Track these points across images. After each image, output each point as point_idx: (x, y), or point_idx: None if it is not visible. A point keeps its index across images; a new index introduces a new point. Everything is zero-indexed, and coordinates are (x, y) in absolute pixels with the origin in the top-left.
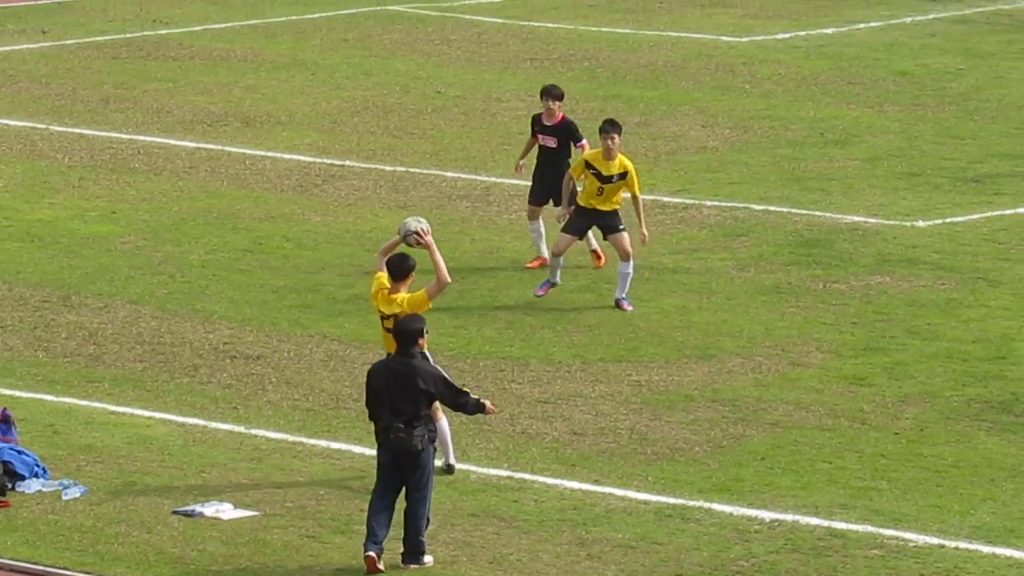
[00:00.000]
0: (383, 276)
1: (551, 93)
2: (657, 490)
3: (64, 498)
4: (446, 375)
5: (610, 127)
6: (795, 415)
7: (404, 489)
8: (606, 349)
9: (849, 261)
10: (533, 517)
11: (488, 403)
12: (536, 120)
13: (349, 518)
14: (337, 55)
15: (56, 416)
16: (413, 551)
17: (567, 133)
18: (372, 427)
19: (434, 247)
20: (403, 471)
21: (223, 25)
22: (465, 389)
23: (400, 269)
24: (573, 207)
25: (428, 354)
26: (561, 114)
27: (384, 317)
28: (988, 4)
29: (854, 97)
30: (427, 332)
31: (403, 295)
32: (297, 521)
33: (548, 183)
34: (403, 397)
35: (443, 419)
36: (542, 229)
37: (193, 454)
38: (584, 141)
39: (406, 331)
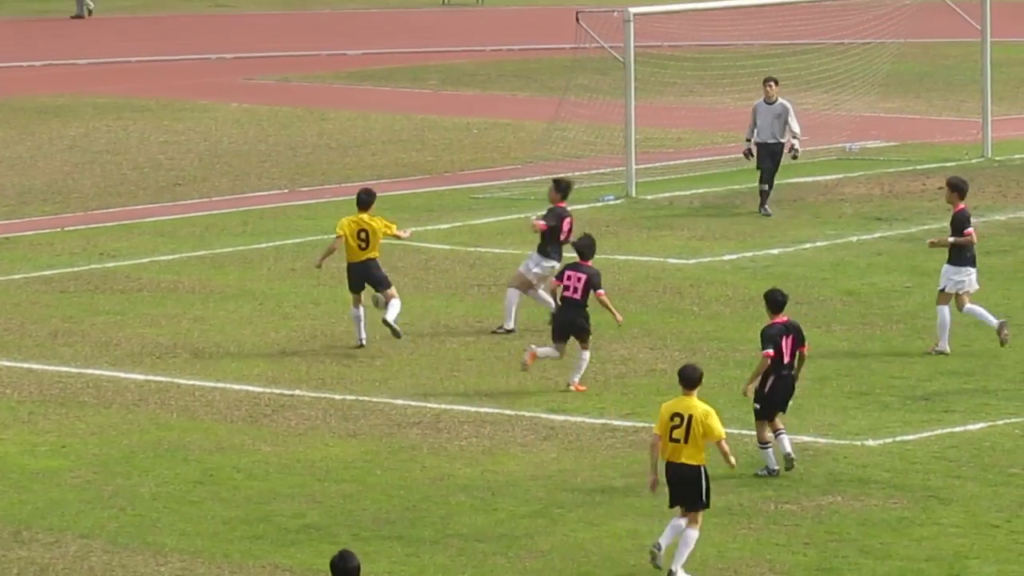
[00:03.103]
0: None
1: None
2: None
3: None
4: None
5: None
6: None
7: None
8: (559, 574)
9: (800, 481)
10: None
11: None
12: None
13: None
14: (284, 284)
15: None
16: None
17: None
18: None
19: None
20: None
21: (170, 257)
22: None
23: (692, 378)
24: None
25: None
26: None
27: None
28: (933, 222)
29: (802, 317)
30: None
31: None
32: None
33: None
34: None
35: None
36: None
37: None
38: None
39: (345, 571)
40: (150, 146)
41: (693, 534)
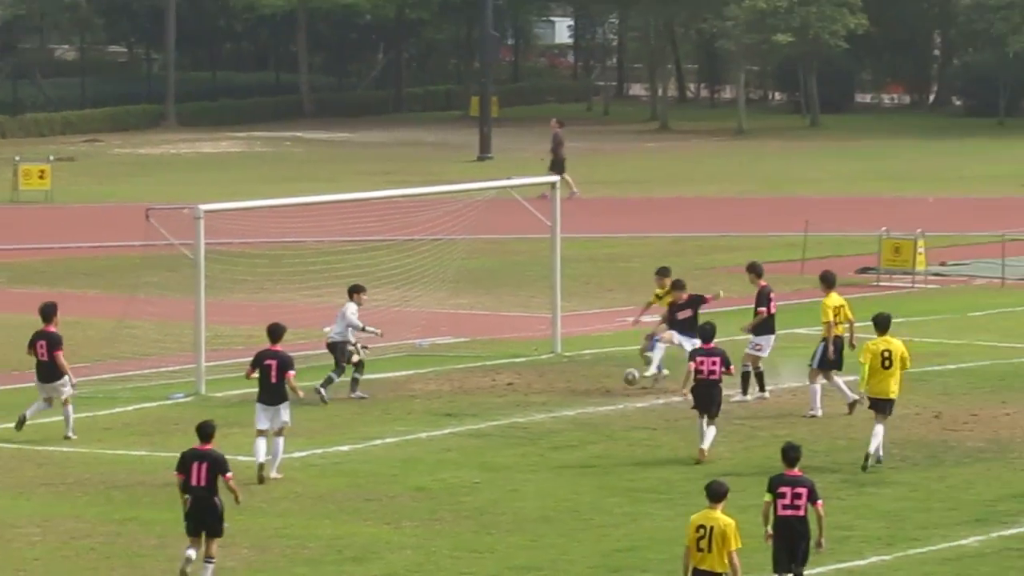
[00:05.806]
0: None
1: None
2: None
3: None
4: None
5: None
6: None
7: None
8: None
9: None
10: None
11: None
12: None
13: None
14: None
15: None
16: None
17: None
18: None
19: None
20: None
21: None
22: None
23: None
24: None
25: None
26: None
27: None
28: (503, 418)
29: (371, 513)
30: None
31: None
32: None
33: None
34: None
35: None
36: None
37: None
38: None
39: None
40: None
41: None
